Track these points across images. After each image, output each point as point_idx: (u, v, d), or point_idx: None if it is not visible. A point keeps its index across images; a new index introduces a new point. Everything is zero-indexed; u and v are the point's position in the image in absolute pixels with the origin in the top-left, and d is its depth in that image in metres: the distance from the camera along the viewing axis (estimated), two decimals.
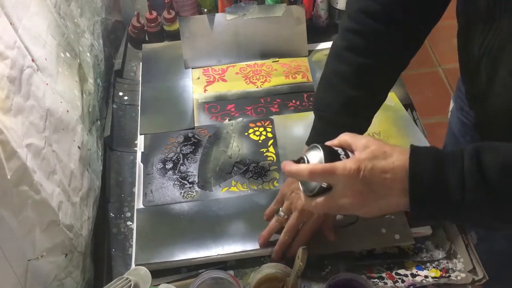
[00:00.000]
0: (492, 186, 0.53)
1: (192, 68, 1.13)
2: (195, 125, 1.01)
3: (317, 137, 0.79)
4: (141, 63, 1.15)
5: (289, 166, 0.60)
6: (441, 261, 0.81)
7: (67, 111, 0.78)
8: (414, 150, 0.57)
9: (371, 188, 0.57)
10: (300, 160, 0.61)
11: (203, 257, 0.81)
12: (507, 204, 0.54)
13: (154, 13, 1.19)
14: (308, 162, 0.61)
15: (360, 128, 0.79)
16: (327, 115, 0.79)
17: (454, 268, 0.80)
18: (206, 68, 1.13)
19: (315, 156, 0.60)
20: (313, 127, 0.82)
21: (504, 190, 0.54)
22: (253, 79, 1.10)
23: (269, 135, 0.99)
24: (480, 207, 0.54)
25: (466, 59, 0.76)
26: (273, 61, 1.14)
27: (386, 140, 0.95)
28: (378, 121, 0.98)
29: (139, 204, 0.89)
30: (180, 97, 1.07)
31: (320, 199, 0.60)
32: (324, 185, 0.59)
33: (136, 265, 0.80)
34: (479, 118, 0.84)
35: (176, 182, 0.92)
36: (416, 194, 0.56)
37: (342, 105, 0.76)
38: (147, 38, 1.21)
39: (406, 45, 0.76)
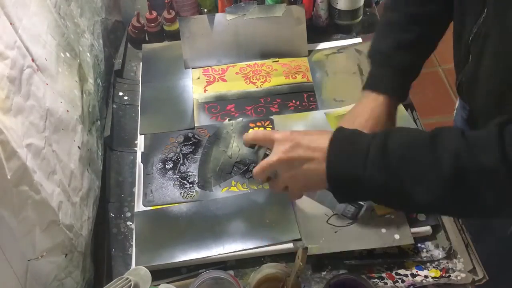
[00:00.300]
0: (391, 158, 0.59)
1: (192, 68, 1.13)
2: (195, 125, 1.01)
3: (373, 80, 0.85)
4: (141, 63, 1.15)
5: (245, 135, 0.72)
6: (441, 261, 0.81)
7: (67, 111, 0.78)
8: (338, 129, 0.65)
9: (297, 151, 0.65)
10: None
11: (204, 257, 0.81)
12: (403, 176, 0.58)
13: (154, 13, 1.19)
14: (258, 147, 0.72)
15: (411, 70, 0.84)
16: (381, 57, 0.84)
17: (454, 268, 0.80)
18: (206, 68, 1.13)
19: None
20: (368, 73, 0.86)
21: (401, 162, 0.58)
22: (253, 79, 1.10)
23: None
24: (380, 179, 0.59)
25: (458, 46, 0.79)
26: (273, 61, 1.14)
27: None
28: None
29: (139, 204, 0.89)
30: (180, 97, 1.07)
31: (260, 163, 0.68)
32: (268, 152, 0.69)
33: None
34: (470, 111, 0.84)
35: (176, 182, 0.92)
36: (331, 164, 0.62)
37: (395, 46, 0.83)
38: (147, 38, 1.21)
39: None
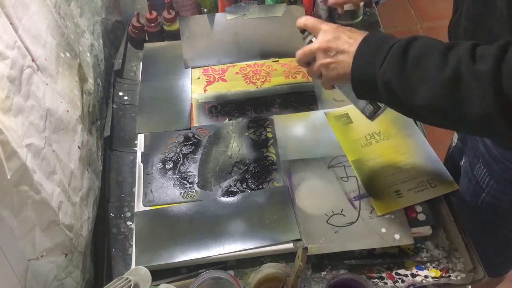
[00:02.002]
0: (406, 60, 0.64)
1: (192, 68, 1.13)
2: (195, 125, 1.01)
3: None
4: (141, 63, 1.15)
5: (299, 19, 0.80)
6: (441, 261, 0.81)
7: (67, 111, 0.78)
8: (376, 31, 0.73)
9: (337, 42, 0.73)
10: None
11: (204, 257, 0.81)
12: (411, 74, 0.64)
13: (154, 13, 1.19)
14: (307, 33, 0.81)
15: None
16: None
17: (454, 268, 0.80)
18: (206, 68, 1.13)
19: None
20: None
21: (413, 63, 0.64)
22: (253, 79, 1.10)
23: (269, 135, 0.99)
24: (391, 76, 0.65)
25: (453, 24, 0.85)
26: (273, 61, 1.14)
27: (386, 140, 0.95)
28: (378, 121, 0.98)
29: (139, 204, 0.89)
30: (178, 97, 1.07)
31: (302, 48, 0.78)
32: (313, 39, 0.78)
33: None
34: None
35: (176, 182, 0.92)
36: (356, 59, 0.70)
37: None
38: (147, 38, 1.21)
39: None
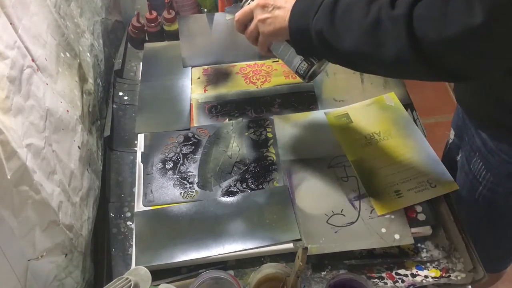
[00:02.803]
0: (335, 12, 0.69)
1: (191, 67, 1.13)
2: (195, 125, 1.01)
3: None
4: (141, 63, 1.15)
5: None
6: (441, 261, 0.81)
7: (67, 111, 0.78)
8: None
9: (274, 0, 0.78)
10: None
11: (204, 257, 0.81)
12: (339, 24, 0.69)
13: (154, 13, 1.19)
14: None
15: None
16: None
17: (454, 268, 0.80)
18: (206, 68, 1.13)
19: None
20: None
21: (341, 14, 0.69)
22: (253, 79, 1.10)
23: (269, 135, 0.99)
24: (322, 26, 0.70)
25: None
26: (273, 61, 1.14)
27: (386, 140, 0.95)
28: (378, 121, 0.98)
29: (139, 204, 0.89)
30: (178, 97, 1.07)
31: (241, 9, 0.83)
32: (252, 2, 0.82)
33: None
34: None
35: (176, 182, 0.92)
36: (292, 13, 0.75)
37: None
38: (147, 38, 1.21)
39: None
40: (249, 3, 0.83)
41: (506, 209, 0.97)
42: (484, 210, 0.98)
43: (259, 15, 0.79)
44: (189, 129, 1.00)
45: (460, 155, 1.02)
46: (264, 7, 0.78)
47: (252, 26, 0.82)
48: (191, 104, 1.05)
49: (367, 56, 0.69)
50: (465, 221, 0.85)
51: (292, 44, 0.79)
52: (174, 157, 0.96)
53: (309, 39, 0.73)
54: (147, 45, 1.18)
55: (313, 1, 0.73)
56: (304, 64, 0.81)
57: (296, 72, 0.84)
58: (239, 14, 0.83)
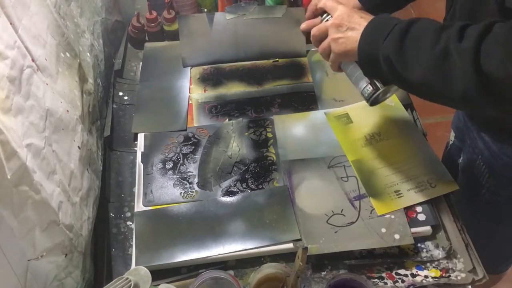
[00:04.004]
0: (405, 39, 0.69)
1: (191, 67, 1.13)
2: (195, 125, 1.01)
3: None
4: (141, 62, 1.15)
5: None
6: (441, 261, 0.81)
7: (67, 111, 0.78)
8: (380, 15, 0.77)
9: (349, 20, 0.78)
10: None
11: (204, 257, 0.81)
12: (408, 52, 0.69)
13: (154, 13, 1.19)
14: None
15: None
16: None
17: (454, 268, 0.80)
18: (206, 68, 1.13)
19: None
20: None
21: (411, 42, 0.69)
22: (253, 79, 1.10)
23: (269, 135, 0.99)
24: (391, 52, 0.70)
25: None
26: (273, 61, 1.14)
27: (386, 141, 0.95)
28: (378, 121, 0.98)
29: (139, 204, 0.89)
30: (176, 98, 1.06)
31: (320, 24, 0.84)
32: (330, 18, 0.82)
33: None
34: None
35: (176, 182, 0.92)
36: (363, 36, 0.75)
37: None
38: (147, 38, 1.21)
39: None
40: (327, 20, 0.83)
41: (508, 212, 0.97)
42: (486, 213, 0.98)
43: (333, 34, 0.79)
44: (185, 130, 1.00)
45: (461, 157, 1.02)
46: (338, 26, 0.79)
47: (325, 43, 0.82)
48: (189, 105, 1.05)
49: (432, 88, 0.68)
50: (467, 223, 0.85)
51: (360, 66, 0.79)
52: (174, 157, 0.95)
53: (377, 63, 0.73)
54: (147, 45, 1.18)
55: (385, 25, 0.72)
56: (369, 88, 0.81)
57: (361, 94, 0.83)
58: (315, 30, 0.83)
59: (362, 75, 0.80)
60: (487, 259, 0.83)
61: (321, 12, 0.85)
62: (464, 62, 0.62)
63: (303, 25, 0.89)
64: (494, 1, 0.70)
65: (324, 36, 0.82)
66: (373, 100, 0.82)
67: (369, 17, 0.77)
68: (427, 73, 0.67)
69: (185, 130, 1.00)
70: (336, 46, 0.79)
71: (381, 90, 0.80)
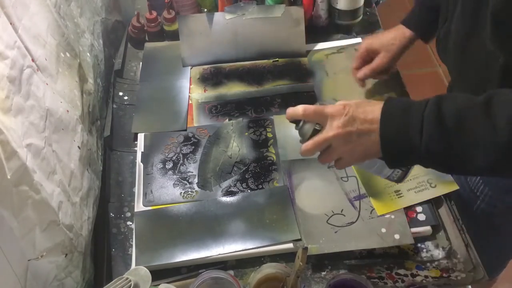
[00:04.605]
0: (447, 128, 0.60)
1: (190, 67, 1.13)
2: (195, 124, 1.01)
3: (407, 16, 1.00)
4: (141, 62, 1.15)
5: (288, 110, 0.72)
6: (441, 261, 0.81)
7: (67, 111, 0.78)
8: (388, 99, 0.67)
9: (354, 125, 0.67)
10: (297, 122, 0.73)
11: (204, 257, 0.81)
12: (460, 144, 0.61)
13: (154, 13, 1.19)
14: (303, 123, 0.72)
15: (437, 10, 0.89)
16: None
17: (454, 268, 0.80)
18: (206, 68, 1.13)
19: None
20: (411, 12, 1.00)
21: (457, 131, 0.60)
22: (253, 79, 1.10)
23: (269, 135, 0.99)
24: (437, 149, 0.61)
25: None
26: (273, 61, 1.14)
27: None
28: None
29: (139, 204, 0.89)
30: (176, 98, 1.07)
31: (312, 138, 0.70)
32: (317, 127, 0.70)
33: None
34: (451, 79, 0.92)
35: (176, 182, 0.92)
36: (385, 135, 0.65)
37: None
38: (147, 38, 1.21)
39: None
40: (314, 129, 0.70)
41: (504, 222, 0.97)
42: (482, 222, 0.97)
43: (342, 146, 0.68)
44: (185, 130, 1.00)
45: None
46: (346, 136, 0.67)
47: (332, 155, 0.70)
48: (189, 105, 1.05)
49: (505, 172, 0.64)
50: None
51: (388, 164, 0.69)
52: (174, 157, 0.96)
53: (415, 159, 0.65)
54: (147, 45, 1.18)
55: (408, 116, 0.63)
56: (398, 172, 0.75)
57: (388, 179, 0.77)
58: (311, 146, 0.70)
59: (383, 164, 0.70)
60: (483, 264, 0.83)
61: (294, 121, 0.73)
62: None
63: (306, 149, 0.72)
64: (489, 23, 0.68)
65: (323, 148, 0.70)
66: (405, 179, 0.77)
67: (373, 108, 0.66)
68: (496, 163, 0.60)
69: (185, 130, 1.00)
70: (351, 155, 0.69)
71: (411, 168, 0.75)
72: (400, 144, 0.64)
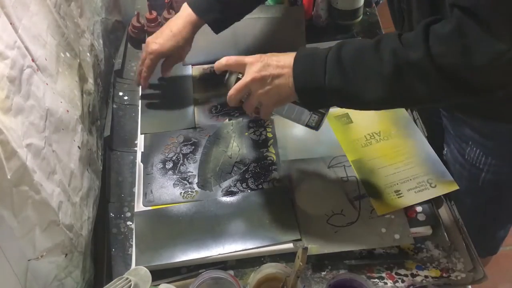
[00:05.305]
0: (346, 66, 0.70)
1: (191, 66, 1.12)
2: (195, 124, 1.01)
3: None
4: None
5: (215, 63, 0.80)
6: (441, 261, 0.81)
7: (67, 111, 0.78)
8: (300, 48, 0.76)
9: (268, 69, 0.75)
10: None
11: (204, 257, 0.81)
12: (356, 78, 0.70)
13: (154, 13, 1.19)
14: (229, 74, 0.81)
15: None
16: None
17: (454, 268, 0.80)
18: (206, 67, 1.13)
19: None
20: None
21: (353, 66, 0.70)
22: None
23: (269, 135, 0.99)
24: (338, 85, 0.70)
25: (392, 11, 0.89)
26: None
27: (386, 140, 0.95)
28: (378, 121, 0.98)
29: (139, 204, 0.89)
30: (181, 96, 1.07)
31: (234, 85, 0.78)
32: (240, 76, 0.78)
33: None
34: None
35: (176, 182, 0.92)
36: (296, 76, 0.73)
37: None
38: (147, 38, 1.21)
39: None
40: (237, 78, 0.79)
41: (508, 191, 0.97)
42: (490, 194, 0.98)
43: (259, 89, 0.76)
44: (194, 128, 1.00)
45: (445, 150, 1.02)
46: (261, 80, 0.75)
47: (252, 100, 0.78)
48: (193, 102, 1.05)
49: (394, 101, 0.72)
50: (469, 211, 0.85)
51: (301, 104, 0.77)
52: (174, 157, 0.96)
53: (323, 98, 0.73)
54: None
55: (314, 59, 0.72)
56: (314, 117, 0.79)
57: (307, 126, 0.81)
58: (233, 92, 0.78)
59: (301, 110, 0.79)
60: (490, 240, 0.83)
61: (222, 72, 0.81)
62: (422, 72, 0.64)
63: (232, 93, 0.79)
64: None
65: (245, 94, 0.78)
66: (321, 125, 0.81)
67: (285, 57, 0.75)
68: (385, 92, 0.68)
69: (194, 127, 1.00)
70: (268, 98, 0.77)
71: (326, 113, 0.79)
72: (309, 83, 0.73)
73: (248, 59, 0.77)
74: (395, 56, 0.66)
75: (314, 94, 0.73)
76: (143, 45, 1.02)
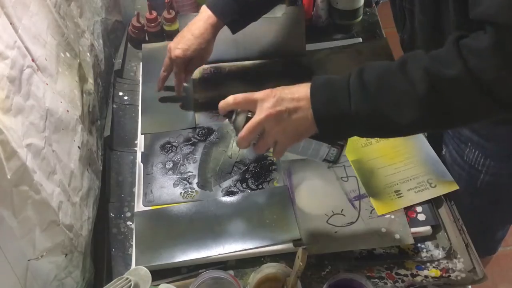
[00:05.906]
0: (371, 91, 0.65)
1: None
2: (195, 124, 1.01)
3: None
4: (141, 63, 1.14)
5: (220, 103, 0.73)
6: (441, 261, 0.81)
7: (67, 111, 0.78)
8: (314, 78, 0.70)
9: (283, 104, 0.69)
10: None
11: (204, 257, 0.81)
12: (385, 103, 0.65)
13: (154, 13, 1.19)
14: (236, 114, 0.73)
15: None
16: None
17: (454, 268, 0.80)
18: (206, 67, 1.13)
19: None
20: None
21: (380, 91, 0.65)
22: (253, 79, 1.10)
23: None
24: (366, 111, 0.65)
25: (394, 10, 0.88)
26: (273, 61, 1.14)
27: (386, 140, 0.95)
28: None
29: (139, 204, 0.89)
30: (181, 96, 1.06)
31: (246, 125, 0.71)
32: (250, 115, 0.71)
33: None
34: None
35: (176, 182, 0.92)
36: (317, 106, 0.68)
37: None
38: (147, 38, 1.21)
39: None
40: (247, 117, 0.71)
41: (507, 191, 0.98)
42: (488, 195, 0.98)
43: (275, 127, 0.69)
44: (195, 128, 1.00)
45: (444, 150, 1.02)
46: (277, 116, 0.69)
47: (268, 139, 0.71)
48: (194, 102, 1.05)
49: (431, 122, 0.67)
50: (468, 212, 0.85)
51: (320, 137, 0.72)
52: (174, 157, 0.96)
53: (347, 125, 0.68)
54: (145, 46, 1.17)
55: (334, 86, 0.68)
56: (334, 151, 0.74)
57: (325, 161, 0.76)
58: (245, 133, 0.70)
59: (319, 144, 0.73)
60: (490, 240, 0.83)
61: (228, 114, 0.73)
62: (461, 87, 0.61)
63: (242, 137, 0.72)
64: (455, 13, 0.69)
65: (257, 133, 0.71)
66: (339, 159, 0.76)
67: (299, 88, 0.70)
68: (419, 116, 0.64)
69: (195, 127, 1.00)
70: (285, 135, 0.70)
71: (345, 145, 0.75)
72: (331, 112, 0.67)
73: (258, 95, 0.71)
74: (429, 74, 0.62)
75: (338, 124, 0.68)
76: (144, 46, 1.01)
